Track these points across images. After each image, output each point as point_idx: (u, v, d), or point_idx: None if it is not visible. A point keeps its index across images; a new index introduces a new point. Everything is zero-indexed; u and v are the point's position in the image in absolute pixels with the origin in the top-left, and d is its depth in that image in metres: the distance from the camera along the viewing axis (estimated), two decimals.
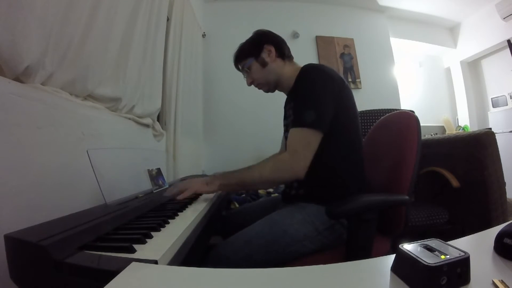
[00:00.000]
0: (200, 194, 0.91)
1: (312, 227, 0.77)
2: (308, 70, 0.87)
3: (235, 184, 0.82)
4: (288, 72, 0.95)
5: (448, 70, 4.08)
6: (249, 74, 0.99)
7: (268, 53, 0.94)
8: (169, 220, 0.60)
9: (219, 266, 0.64)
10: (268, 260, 0.73)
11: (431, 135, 2.54)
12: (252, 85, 1.02)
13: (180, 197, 0.79)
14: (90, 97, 0.95)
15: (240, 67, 1.01)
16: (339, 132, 0.81)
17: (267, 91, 1.01)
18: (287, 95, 1.02)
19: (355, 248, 0.70)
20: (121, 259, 0.38)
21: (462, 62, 3.83)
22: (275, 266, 0.73)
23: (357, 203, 0.69)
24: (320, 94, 0.80)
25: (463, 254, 0.29)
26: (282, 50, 0.96)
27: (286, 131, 1.01)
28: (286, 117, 1.02)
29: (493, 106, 3.60)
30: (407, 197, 0.74)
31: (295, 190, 0.90)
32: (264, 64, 0.95)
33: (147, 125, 1.39)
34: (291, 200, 0.91)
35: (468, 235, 0.41)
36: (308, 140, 0.78)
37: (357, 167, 0.88)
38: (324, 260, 0.74)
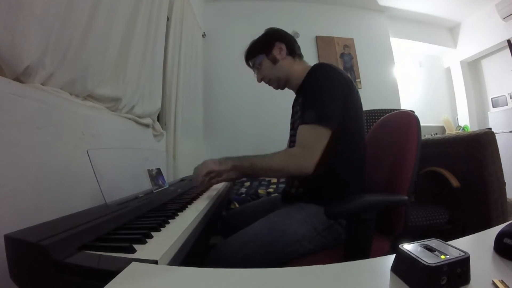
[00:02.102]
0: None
1: (310, 227, 0.77)
2: (318, 69, 0.88)
3: (246, 167, 0.82)
4: (297, 70, 0.96)
5: (448, 70, 4.08)
6: (259, 71, 1.00)
7: (279, 51, 0.95)
8: (169, 220, 0.60)
9: (219, 266, 0.64)
10: (267, 260, 0.73)
11: (431, 135, 2.53)
12: (256, 84, 1.05)
13: (200, 182, 0.83)
14: (90, 97, 0.95)
15: (251, 64, 1.02)
16: (341, 132, 0.81)
17: (276, 87, 1.02)
18: (296, 93, 1.02)
19: (353, 248, 0.70)
20: (121, 259, 0.38)
21: (462, 62, 3.83)
22: (274, 266, 0.73)
23: (355, 204, 0.69)
24: (330, 92, 0.81)
25: (463, 254, 0.29)
26: (293, 48, 0.97)
27: (292, 129, 1.01)
28: (293, 115, 1.02)
29: (493, 106, 3.60)
30: (406, 197, 0.74)
31: (295, 188, 0.90)
32: (275, 61, 0.96)
33: (147, 125, 1.38)
34: (291, 199, 0.91)
35: (468, 235, 0.41)
36: (318, 137, 0.78)
37: (358, 168, 0.88)
38: (323, 260, 0.74)
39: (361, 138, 0.89)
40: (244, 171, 0.83)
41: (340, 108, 0.81)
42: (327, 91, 0.81)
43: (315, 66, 0.90)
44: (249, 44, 1.02)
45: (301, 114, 0.86)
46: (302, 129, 0.81)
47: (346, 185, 0.85)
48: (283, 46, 0.96)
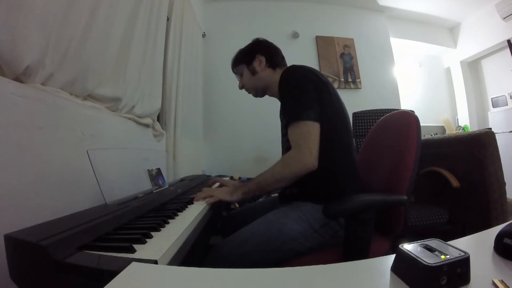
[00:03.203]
0: None
1: (307, 225, 0.77)
2: (285, 72, 0.91)
3: (254, 189, 0.85)
4: (277, 80, 0.97)
5: (448, 70, 4.08)
6: (240, 79, 1.07)
7: (259, 63, 1.01)
8: (169, 220, 0.60)
9: (217, 266, 0.64)
10: (265, 259, 0.73)
11: (431, 135, 2.53)
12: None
13: (207, 202, 0.82)
14: (90, 97, 0.94)
15: (234, 71, 1.09)
16: (329, 131, 0.82)
17: (255, 96, 1.09)
18: (279, 100, 1.03)
19: (352, 247, 0.70)
20: (121, 259, 0.38)
21: (462, 62, 3.83)
22: (272, 265, 0.74)
23: (354, 203, 0.69)
24: (301, 88, 0.84)
25: (463, 254, 0.29)
26: (274, 60, 1.02)
27: (283, 135, 1.03)
28: (281, 122, 1.04)
29: (493, 106, 3.60)
30: (405, 197, 0.74)
31: (290, 189, 0.90)
32: (253, 72, 1.02)
33: (147, 125, 1.38)
34: (287, 199, 0.92)
35: (468, 235, 0.41)
36: (307, 131, 0.79)
37: (350, 166, 0.88)
38: (321, 259, 0.74)
39: (348, 133, 0.90)
40: (254, 194, 0.87)
41: (316, 101, 0.82)
42: (298, 88, 0.84)
43: (283, 70, 0.92)
44: (236, 52, 1.09)
45: (284, 117, 0.89)
46: (290, 131, 0.83)
47: (339, 184, 0.85)
48: (263, 59, 1.01)
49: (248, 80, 1.04)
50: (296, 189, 0.88)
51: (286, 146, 0.92)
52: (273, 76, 1.00)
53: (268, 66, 1.01)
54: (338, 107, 0.88)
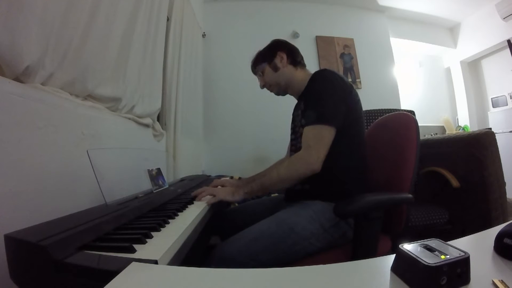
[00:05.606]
0: None
1: (318, 224, 0.77)
2: (319, 74, 0.92)
3: (257, 190, 0.86)
4: (298, 77, 1.01)
5: (448, 70, 4.08)
6: (262, 78, 1.07)
7: (280, 59, 1.02)
8: (169, 220, 0.60)
9: (223, 266, 0.64)
10: (274, 259, 0.72)
11: (431, 135, 2.53)
12: (256, 84, 1.10)
13: (208, 202, 0.83)
14: (90, 97, 0.94)
15: (255, 71, 1.09)
16: (344, 131, 0.84)
17: (277, 93, 1.09)
18: (297, 99, 1.07)
19: (361, 246, 0.70)
20: (121, 259, 0.38)
21: (462, 62, 3.83)
22: (281, 265, 0.73)
23: (365, 202, 0.69)
24: (331, 93, 0.85)
25: (463, 254, 0.29)
26: (294, 57, 1.03)
27: (293, 133, 1.05)
28: (293, 120, 1.06)
29: (493, 106, 3.60)
30: (411, 196, 0.75)
31: (300, 185, 0.90)
32: (276, 69, 1.02)
33: (147, 125, 1.38)
34: (295, 197, 0.92)
35: (468, 235, 0.41)
36: (321, 135, 0.81)
37: (360, 166, 0.90)
38: (329, 259, 0.74)
39: (362, 138, 0.92)
40: (257, 194, 0.88)
41: (341, 108, 0.84)
42: (328, 92, 0.85)
43: (317, 72, 0.94)
44: (255, 55, 1.10)
45: (304, 117, 0.89)
46: (306, 131, 0.84)
47: (349, 183, 0.86)
48: (284, 55, 1.02)
49: (270, 77, 1.04)
50: (309, 186, 0.88)
51: (297, 147, 0.94)
52: (295, 74, 1.02)
53: (289, 63, 1.02)
54: (359, 113, 0.91)
